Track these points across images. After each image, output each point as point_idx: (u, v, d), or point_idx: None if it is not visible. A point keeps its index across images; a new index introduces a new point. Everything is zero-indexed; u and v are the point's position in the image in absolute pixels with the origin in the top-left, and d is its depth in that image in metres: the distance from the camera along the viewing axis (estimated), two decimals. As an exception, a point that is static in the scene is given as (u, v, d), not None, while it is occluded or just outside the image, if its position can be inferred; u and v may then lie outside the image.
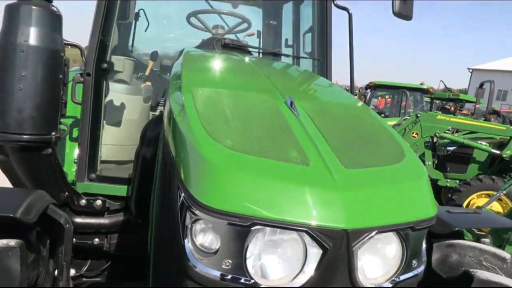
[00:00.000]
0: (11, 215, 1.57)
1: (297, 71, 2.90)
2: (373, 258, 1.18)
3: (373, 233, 1.12)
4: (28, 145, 2.28)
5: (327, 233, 1.07)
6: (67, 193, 2.56)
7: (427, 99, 14.65)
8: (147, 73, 3.64)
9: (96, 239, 2.76)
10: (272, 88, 1.73)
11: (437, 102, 15.13)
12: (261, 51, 3.26)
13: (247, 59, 2.45)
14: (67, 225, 1.95)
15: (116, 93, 3.01)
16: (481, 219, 2.25)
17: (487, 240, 2.03)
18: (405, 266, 1.21)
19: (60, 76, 2.37)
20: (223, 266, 1.10)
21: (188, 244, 1.15)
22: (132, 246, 2.78)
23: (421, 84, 16.00)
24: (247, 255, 1.09)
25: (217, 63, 2.41)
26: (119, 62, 2.86)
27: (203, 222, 1.14)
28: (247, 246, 1.09)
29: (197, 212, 1.12)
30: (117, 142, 3.08)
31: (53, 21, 2.31)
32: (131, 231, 2.75)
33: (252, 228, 1.07)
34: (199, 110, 1.37)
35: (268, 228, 1.08)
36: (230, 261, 1.10)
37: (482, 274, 1.67)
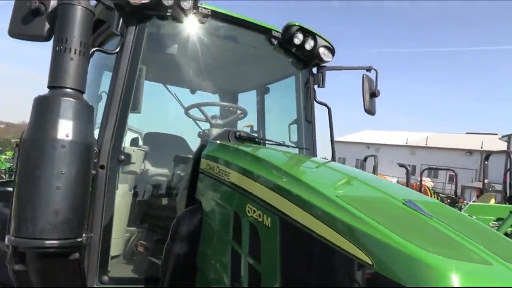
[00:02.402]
0: None
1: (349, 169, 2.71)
2: None
3: None
4: (57, 251, 2.01)
5: None
6: None
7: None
8: None
9: None
10: (371, 188, 1.91)
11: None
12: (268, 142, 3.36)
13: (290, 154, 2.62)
14: None
15: None
16: None
17: None
18: None
19: (93, 171, 2.21)
20: None
21: None
22: None
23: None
24: None
25: (298, 162, 2.51)
26: (133, 153, 2.73)
27: None
28: None
29: None
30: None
31: (88, 113, 2.18)
32: None
33: None
34: (374, 218, 1.45)
35: None
36: None
37: None
